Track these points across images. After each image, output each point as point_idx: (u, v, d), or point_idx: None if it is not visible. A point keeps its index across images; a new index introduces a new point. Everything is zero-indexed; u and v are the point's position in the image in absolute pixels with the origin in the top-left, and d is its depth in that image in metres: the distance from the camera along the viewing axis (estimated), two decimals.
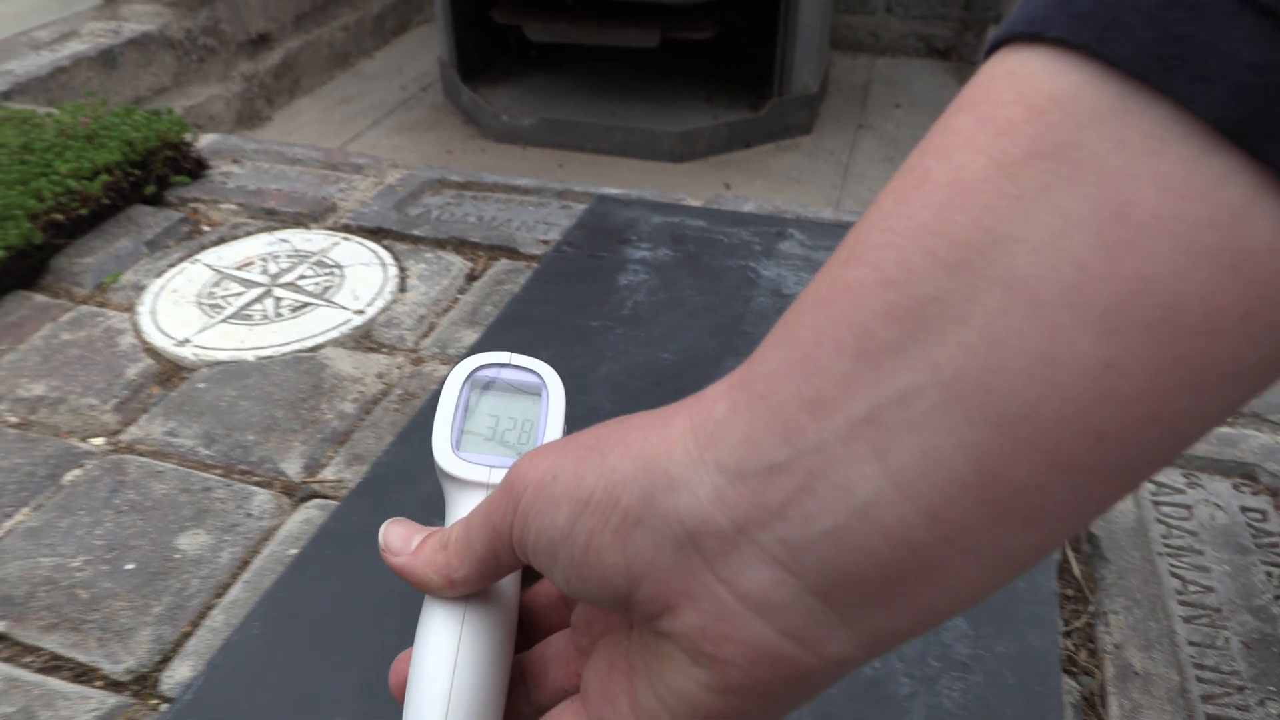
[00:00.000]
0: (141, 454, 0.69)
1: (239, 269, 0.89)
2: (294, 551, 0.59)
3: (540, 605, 0.30)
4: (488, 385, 0.33)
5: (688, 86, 1.80)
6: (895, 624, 0.20)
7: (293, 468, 0.67)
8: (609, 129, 1.65)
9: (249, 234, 0.95)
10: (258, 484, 0.66)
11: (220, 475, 0.66)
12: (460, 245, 0.94)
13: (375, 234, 0.96)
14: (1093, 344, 0.17)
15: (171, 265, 0.90)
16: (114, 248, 0.92)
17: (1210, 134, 0.16)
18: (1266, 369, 0.17)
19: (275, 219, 0.99)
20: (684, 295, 0.82)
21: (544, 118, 1.67)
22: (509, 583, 0.30)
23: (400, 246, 0.94)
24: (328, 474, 0.67)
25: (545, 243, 0.94)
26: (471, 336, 0.80)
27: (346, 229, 0.97)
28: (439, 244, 0.94)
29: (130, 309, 0.84)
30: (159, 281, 0.87)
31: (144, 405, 0.74)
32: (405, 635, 0.25)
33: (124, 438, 0.70)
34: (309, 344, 0.79)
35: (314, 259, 0.91)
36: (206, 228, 0.99)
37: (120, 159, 0.96)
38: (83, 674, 0.53)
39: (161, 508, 0.62)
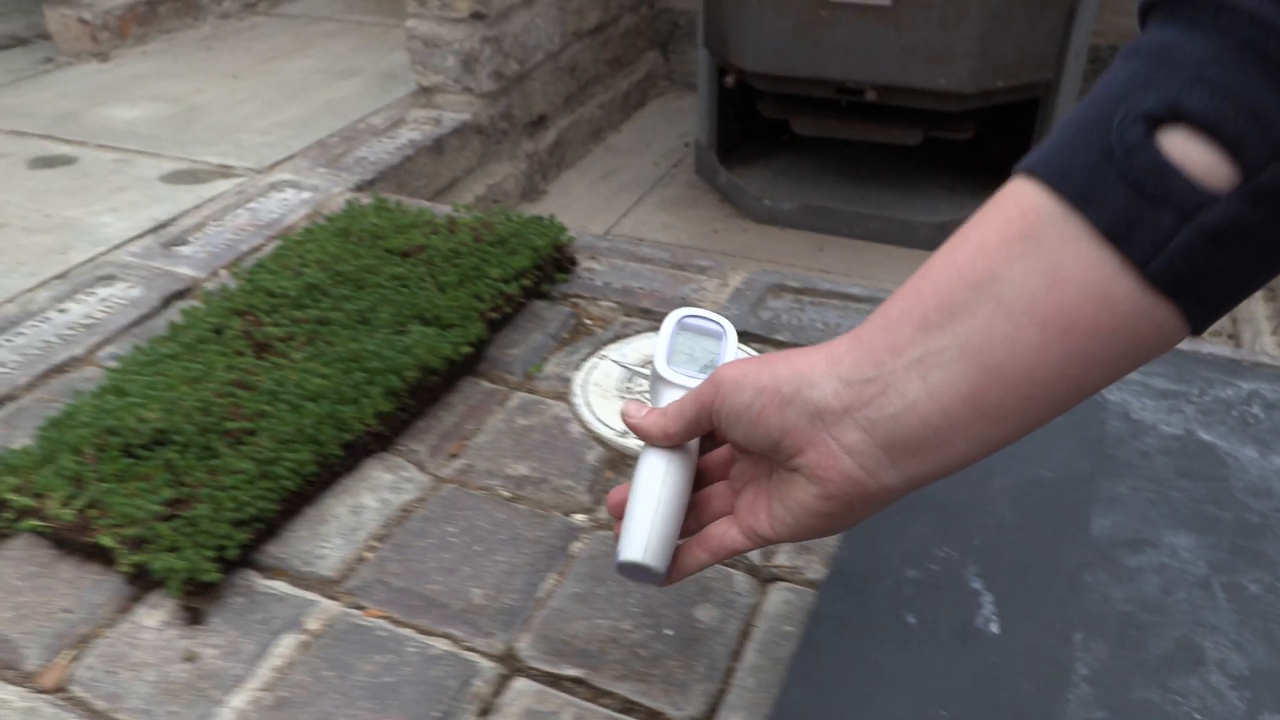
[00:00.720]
0: None
1: (643, 366, 1.06)
2: (788, 628, 0.74)
3: (709, 465, 0.52)
4: (690, 327, 0.55)
5: (929, 174, 1.92)
6: (922, 469, 0.39)
7: (752, 554, 0.82)
8: (865, 217, 1.78)
9: (637, 332, 1.13)
10: (727, 565, 0.81)
11: None
12: None
13: (742, 336, 1.11)
14: (1035, 334, 0.34)
15: (583, 360, 1.08)
16: (530, 340, 1.11)
17: (1101, 237, 0.32)
18: (1128, 359, 0.34)
19: (651, 318, 1.16)
20: None
21: (804, 203, 1.82)
22: (694, 449, 0.51)
23: (768, 350, 1.10)
24: (781, 560, 0.82)
25: None
26: None
27: None
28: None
29: (562, 398, 1.02)
30: (579, 375, 1.05)
31: (605, 488, 0.90)
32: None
33: (601, 516, 0.87)
34: None
35: None
36: (588, 320, 1.17)
37: (530, 264, 1.15)
38: (652, 718, 0.69)
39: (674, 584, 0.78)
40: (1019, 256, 0.33)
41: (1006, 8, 1.51)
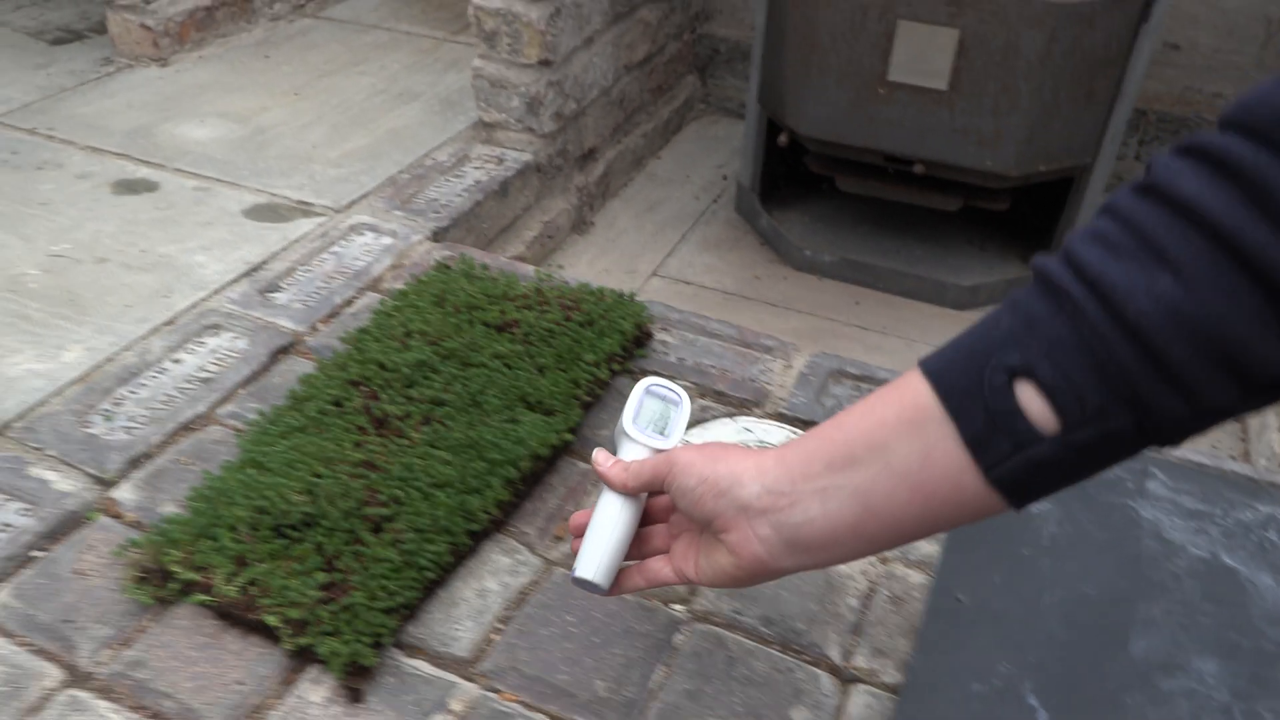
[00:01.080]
0: (718, 625, 0.97)
1: None
2: None
3: (654, 508, 0.63)
4: (655, 394, 0.66)
5: (962, 234, 2.03)
6: (811, 561, 0.50)
7: (834, 653, 0.94)
8: (901, 274, 1.89)
9: (715, 417, 1.23)
10: (811, 664, 0.93)
11: (781, 652, 0.94)
12: None
13: (808, 426, 1.23)
14: (905, 494, 0.45)
15: None
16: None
17: (963, 443, 0.43)
18: (965, 520, 0.45)
19: (725, 401, 1.27)
20: (1085, 530, 1.06)
21: (843, 256, 1.92)
22: (644, 496, 0.62)
23: None
24: (859, 662, 0.94)
25: None
26: (932, 549, 1.06)
27: (784, 418, 1.24)
28: None
29: None
30: None
31: None
32: None
33: (698, 606, 0.99)
34: None
35: None
36: None
37: (618, 348, 1.25)
38: None
39: (769, 683, 0.90)
40: (906, 436, 0.45)
41: (1055, 99, 1.61)
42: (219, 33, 2.32)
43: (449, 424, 1.10)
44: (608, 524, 0.61)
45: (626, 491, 0.61)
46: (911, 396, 0.46)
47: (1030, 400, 0.41)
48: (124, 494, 1.08)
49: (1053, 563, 1.02)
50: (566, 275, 1.46)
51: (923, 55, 1.60)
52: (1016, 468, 0.42)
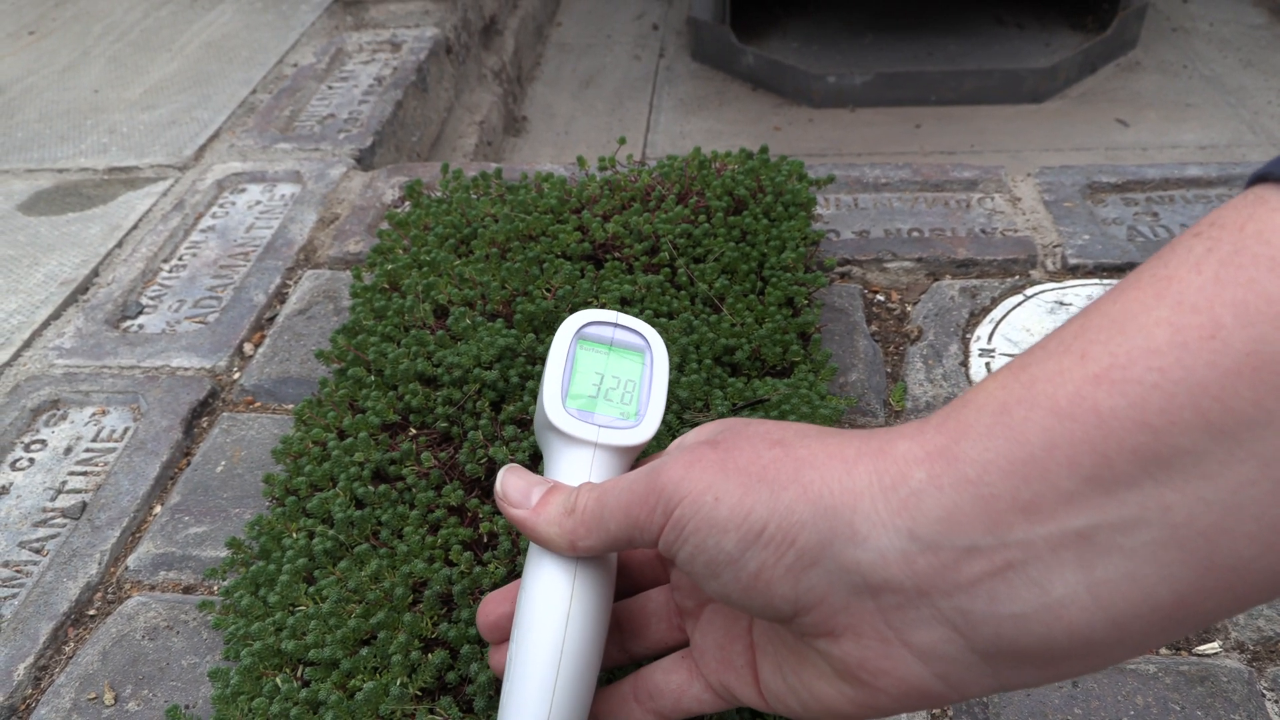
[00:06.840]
0: None
1: None
2: None
3: (636, 560, 0.33)
4: (595, 340, 0.33)
5: (980, 15, 1.59)
6: (1034, 678, 0.24)
7: None
8: (957, 75, 1.43)
9: (992, 300, 0.74)
10: None
11: None
12: None
13: (1101, 270, 0.76)
14: None
15: (957, 367, 0.68)
16: (857, 349, 0.70)
17: None
18: None
19: (978, 273, 0.78)
20: None
21: (878, 72, 1.44)
22: (612, 559, 0.31)
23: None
24: None
25: None
26: None
27: (1080, 271, 0.76)
28: None
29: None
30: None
31: None
32: None
33: None
34: None
35: None
36: (881, 296, 0.77)
37: (808, 227, 0.73)
38: None
39: None
40: None
41: None
42: None
43: None
44: (552, 633, 0.28)
45: (574, 552, 0.29)
46: None
47: None
48: None
49: None
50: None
51: None
52: None
